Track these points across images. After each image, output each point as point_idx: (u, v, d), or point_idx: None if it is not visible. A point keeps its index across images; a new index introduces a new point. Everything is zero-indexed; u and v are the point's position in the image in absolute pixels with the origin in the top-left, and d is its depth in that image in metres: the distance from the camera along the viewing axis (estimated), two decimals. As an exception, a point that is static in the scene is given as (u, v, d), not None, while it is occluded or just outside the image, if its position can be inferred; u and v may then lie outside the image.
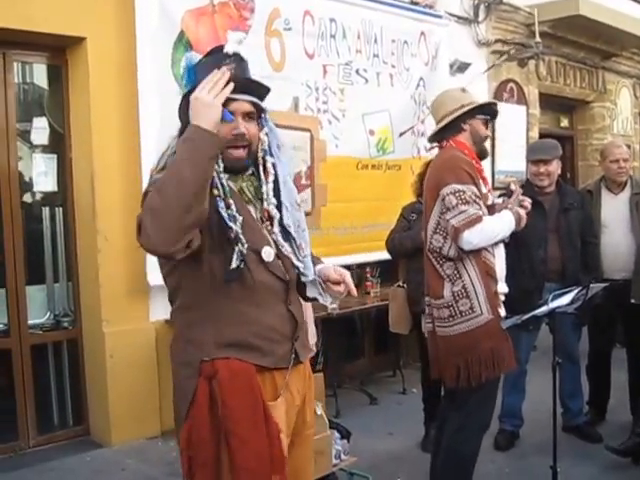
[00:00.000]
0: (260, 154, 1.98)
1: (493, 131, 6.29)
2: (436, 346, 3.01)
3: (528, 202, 3.11)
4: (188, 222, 1.70)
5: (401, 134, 5.75)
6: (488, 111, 3.14)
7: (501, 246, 3.04)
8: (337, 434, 3.56)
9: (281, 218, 1.98)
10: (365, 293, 5.40)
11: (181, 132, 1.87)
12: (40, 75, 4.45)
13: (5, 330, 4.15)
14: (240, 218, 1.87)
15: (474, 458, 3.02)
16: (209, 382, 1.86)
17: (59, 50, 4.23)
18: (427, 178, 3.12)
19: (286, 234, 1.99)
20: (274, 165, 2.00)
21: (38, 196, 4.42)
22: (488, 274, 2.91)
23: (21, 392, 4.14)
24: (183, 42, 4.30)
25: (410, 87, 5.85)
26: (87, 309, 4.36)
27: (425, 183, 3.14)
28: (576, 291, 3.09)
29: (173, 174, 1.71)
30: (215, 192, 1.85)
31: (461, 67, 6.35)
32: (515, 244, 3.26)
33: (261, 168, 1.99)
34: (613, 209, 4.22)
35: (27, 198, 4.36)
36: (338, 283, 2.03)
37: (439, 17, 6.12)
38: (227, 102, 1.85)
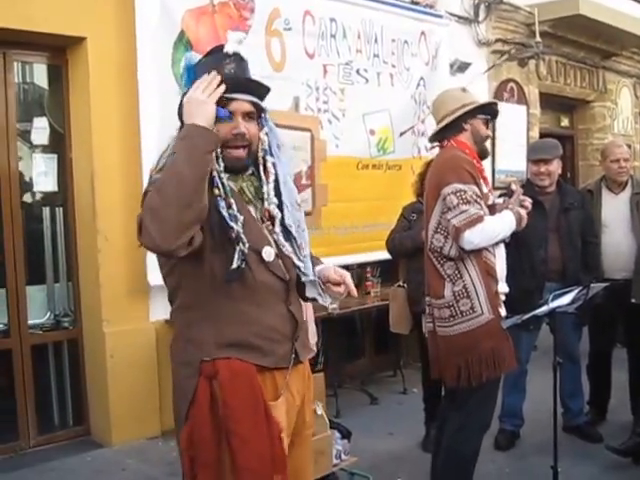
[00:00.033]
0: (260, 154, 1.99)
1: (493, 131, 6.28)
2: (436, 346, 3.00)
3: (529, 202, 3.11)
4: (189, 219, 1.71)
5: (401, 134, 5.74)
6: (489, 111, 3.14)
7: (502, 246, 3.04)
8: (338, 434, 3.56)
9: (282, 218, 1.98)
10: (365, 293, 5.40)
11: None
12: (40, 75, 4.45)
13: (5, 330, 4.15)
14: (241, 218, 1.87)
15: (475, 458, 3.02)
16: (210, 382, 1.86)
17: (59, 50, 4.23)
18: (428, 177, 3.11)
19: (287, 234, 1.99)
20: (274, 165, 2.00)
21: (38, 196, 4.42)
22: (489, 274, 2.90)
23: (21, 392, 4.14)
24: (183, 42, 4.30)
25: (410, 87, 5.85)
26: (87, 309, 4.36)
27: (426, 183, 3.13)
28: (577, 291, 3.09)
29: (172, 172, 1.72)
30: (216, 192, 1.86)
31: (461, 67, 6.35)
32: (516, 244, 3.25)
33: (261, 168, 1.99)
34: (614, 209, 4.22)
35: (27, 198, 4.36)
36: (338, 284, 2.03)
37: (439, 17, 6.12)
38: (227, 102, 1.86)
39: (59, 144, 4.37)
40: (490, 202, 3.04)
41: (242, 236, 1.85)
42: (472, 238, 2.81)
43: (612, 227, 4.18)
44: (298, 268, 1.99)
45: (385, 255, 4.49)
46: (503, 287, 3.02)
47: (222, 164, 1.89)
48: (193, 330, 1.92)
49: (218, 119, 1.82)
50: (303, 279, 2.01)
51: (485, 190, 2.98)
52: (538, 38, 6.80)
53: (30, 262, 4.25)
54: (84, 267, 4.34)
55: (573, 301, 3.08)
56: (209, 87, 1.80)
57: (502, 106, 3.53)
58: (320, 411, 3.38)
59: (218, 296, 1.89)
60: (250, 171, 2.00)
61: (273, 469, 1.87)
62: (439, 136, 3.12)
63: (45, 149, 4.38)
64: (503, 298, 3.01)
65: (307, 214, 4.78)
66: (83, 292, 4.37)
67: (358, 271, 5.58)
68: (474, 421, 2.99)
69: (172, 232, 1.69)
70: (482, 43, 6.76)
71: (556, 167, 4.02)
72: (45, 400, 4.34)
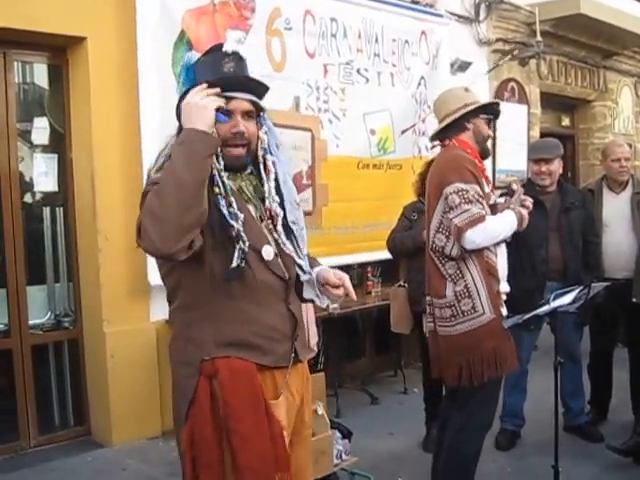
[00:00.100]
0: (260, 152, 1.99)
1: (494, 130, 6.26)
2: (437, 345, 3.00)
3: (530, 202, 3.11)
4: (188, 223, 1.71)
5: (403, 132, 5.74)
6: (491, 110, 3.14)
7: (503, 245, 3.04)
8: (338, 434, 3.55)
9: (285, 216, 1.98)
10: (366, 293, 5.40)
11: (179, 132, 1.87)
12: (41, 75, 4.44)
13: (6, 330, 4.15)
14: (241, 216, 1.88)
15: (476, 458, 3.02)
16: (210, 381, 1.85)
17: (60, 50, 4.23)
18: (430, 177, 3.10)
19: (288, 233, 1.99)
20: (274, 163, 2.01)
21: (39, 196, 4.41)
22: (490, 273, 2.90)
23: (22, 392, 4.14)
24: (184, 42, 4.29)
25: (411, 86, 5.84)
26: (88, 309, 4.36)
27: (428, 182, 3.12)
28: (577, 290, 3.08)
29: (171, 177, 1.71)
30: (216, 190, 1.86)
31: (462, 66, 6.34)
32: (516, 243, 3.25)
33: (262, 166, 1.99)
34: (614, 208, 4.22)
35: (28, 198, 4.36)
36: (337, 286, 2.03)
37: (440, 16, 6.11)
38: (226, 101, 1.85)
39: (59, 144, 4.37)
40: (491, 202, 3.03)
41: (242, 234, 1.85)
42: (474, 238, 2.81)
43: (613, 226, 4.18)
44: (299, 266, 1.99)
45: (386, 255, 4.49)
46: (505, 287, 3.02)
47: (222, 162, 1.89)
48: (193, 330, 1.91)
49: (217, 122, 1.81)
50: (302, 278, 2.01)
51: (487, 189, 2.98)
52: (539, 37, 6.79)
53: (30, 262, 4.25)
54: (84, 267, 4.34)
55: (574, 301, 3.08)
56: (208, 93, 1.79)
57: (503, 105, 3.53)
58: (321, 411, 3.37)
59: (218, 295, 1.88)
60: (249, 170, 2.00)
61: (275, 468, 1.87)
62: (441, 135, 3.11)
63: (45, 149, 4.38)
64: (504, 298, 3.01)
65: (308, 214, 4.82)
66: (83, 292, 4.37)
67: (359, 271, 5.58)
68: (476, 421, 2.99)
69: (172, 236, 1.69)
70: (483, 42, 6.76)
71: (557, 166, 4.02)
72: (46, 400, 4.34)
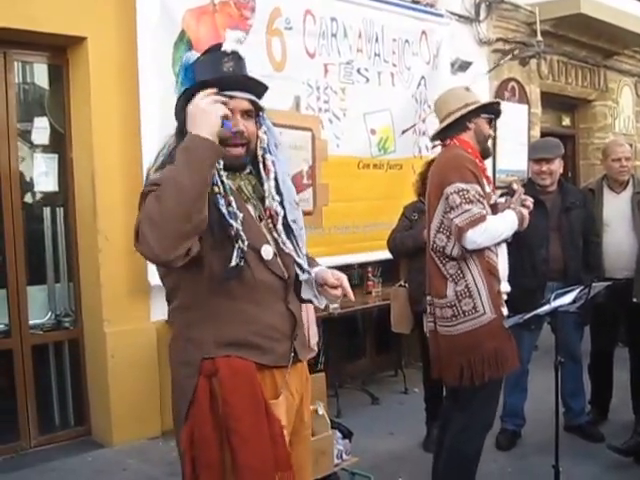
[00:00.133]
0: (260, 152, 1.99)
1: (495, 130, 6.26)
2: (437, 345, 3.00)
3: (530, 202, 3.11)
4: (187, 230, 1.70)
5: (403, 131, 5.74)
6: (492, 110, 3.14)
7: (504, 245, 3.04)
8: (339, 434, 3.55)
9: (285, 215, 1.98)
10: (367, 293, 5.39)
11: (178, 131, 1.87)
12: (41, 75, 4.44)
13: (6, 330, 4.15)
14: (241, 215, 1.87)
15: (477, 458, 3.02)
16: (209, 380, 1.85)
17: (60, 50, 4.23)
18: (430, 176, 3.10)
19: (288, 232, 1.99)
20: (273, 163, 2.00)
21: (39, 196, 4.41)
22: (491, 273, 2.90)
23: (22, 392, 4.14)
24: (184, 41, 4.29)
25: (411, 86, 5.84)
26: (88, 309, 4.36)
27: (428, 182, 3.12)
28: (578, 290, 3.08)
29: (172, 182, 1.69)
30: (215, 189, 1.85)
31: (462, 66, 6.34)
32: (517, 243, 3.25)
33: (261, 166, 1.99)
34: (615, 208, 4.21)
35: (28, 198, 4.36)
36: (335, 287, 2.03)
37: (440, 16, 6.11)
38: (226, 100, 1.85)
39: (60, 144, 4.36)
40: (492, 202, 3.03)
41: (241, 234, 1.85)
42: (475, 238, 2.81)
43: (613, 226, 4.18)
44: (299, 265, 1.99)
45: (386, 255, 4.49)
46: (505, 286, 3.02)
47: (221, 162, 1.88)
48: (192, 330, 1.91)
49: (222, 129, 1.80)
50: (301, 277, 2.00)
51: (488, 189, 2.98)
52: (539, 37, 6.79)
53: (31, 262, 4.25)
54: (85, 267, 4.34)
55: (575, 300, 3.07)
56: (215, 99, 1.78)
57: (503, 105, 3.52)
58: (321, 411, 3.37)
59: (217, 295, 1.88)
60: (248, 170, 2.00)
61: (275, 467, 1.86)
62: (442, 135, 3.11)
63: (46, 149, 4.38)
64: (505, 297, 3.00)
65: (308, 214, 4.82)
66: (84, 292, 4.37)
67: (359, 271, 5.58)
68: (477, 421, 2.99)
69: (171, 242, 1.68)
70: (483, 42, 6.76)
71: (557, 166, 4.02)
72: (46, 400, 4.34)
